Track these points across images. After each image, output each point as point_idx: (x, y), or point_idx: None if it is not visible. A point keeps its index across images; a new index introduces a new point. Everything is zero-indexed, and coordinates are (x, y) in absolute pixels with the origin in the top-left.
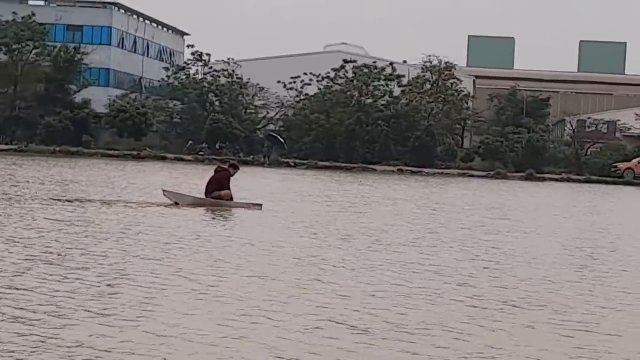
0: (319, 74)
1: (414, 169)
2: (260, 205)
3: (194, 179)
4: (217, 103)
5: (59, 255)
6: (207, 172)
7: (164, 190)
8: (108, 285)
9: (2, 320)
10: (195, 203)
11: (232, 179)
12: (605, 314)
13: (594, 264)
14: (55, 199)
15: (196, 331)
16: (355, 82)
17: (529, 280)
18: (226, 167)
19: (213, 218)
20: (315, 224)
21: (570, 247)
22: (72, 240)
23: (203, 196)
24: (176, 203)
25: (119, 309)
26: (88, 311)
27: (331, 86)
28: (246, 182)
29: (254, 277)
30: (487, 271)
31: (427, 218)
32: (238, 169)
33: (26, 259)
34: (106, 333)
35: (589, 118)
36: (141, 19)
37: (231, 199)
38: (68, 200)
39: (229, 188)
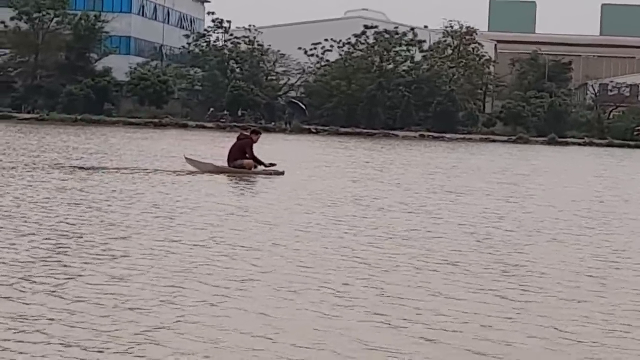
0: (340, 40)
1: (436, 134)
2: (283, 172)
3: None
4: (238, 70)
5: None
6: (216, 139)
7: (186, 158)
8: (102, 251)
9: None
10: (217, 171)
11: (255, 145)
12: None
13: (572, 229)
14: (63, 166)
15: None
16: (376, 47)
17: (505, 245)
18: (248, 134)
19: (227, 185)
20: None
21: (562, 213)
22: (59, 208)
23: (225, 164)
24: (198, 171)
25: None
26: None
27: (352, 52)
28: (267, 148)
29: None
30: (465, 234)
31: (432, 182)
32: (260, 134)
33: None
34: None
35: (611, 82)
36: None
37: (258, 163)
38: (74, 167)
39: (252, 155)
